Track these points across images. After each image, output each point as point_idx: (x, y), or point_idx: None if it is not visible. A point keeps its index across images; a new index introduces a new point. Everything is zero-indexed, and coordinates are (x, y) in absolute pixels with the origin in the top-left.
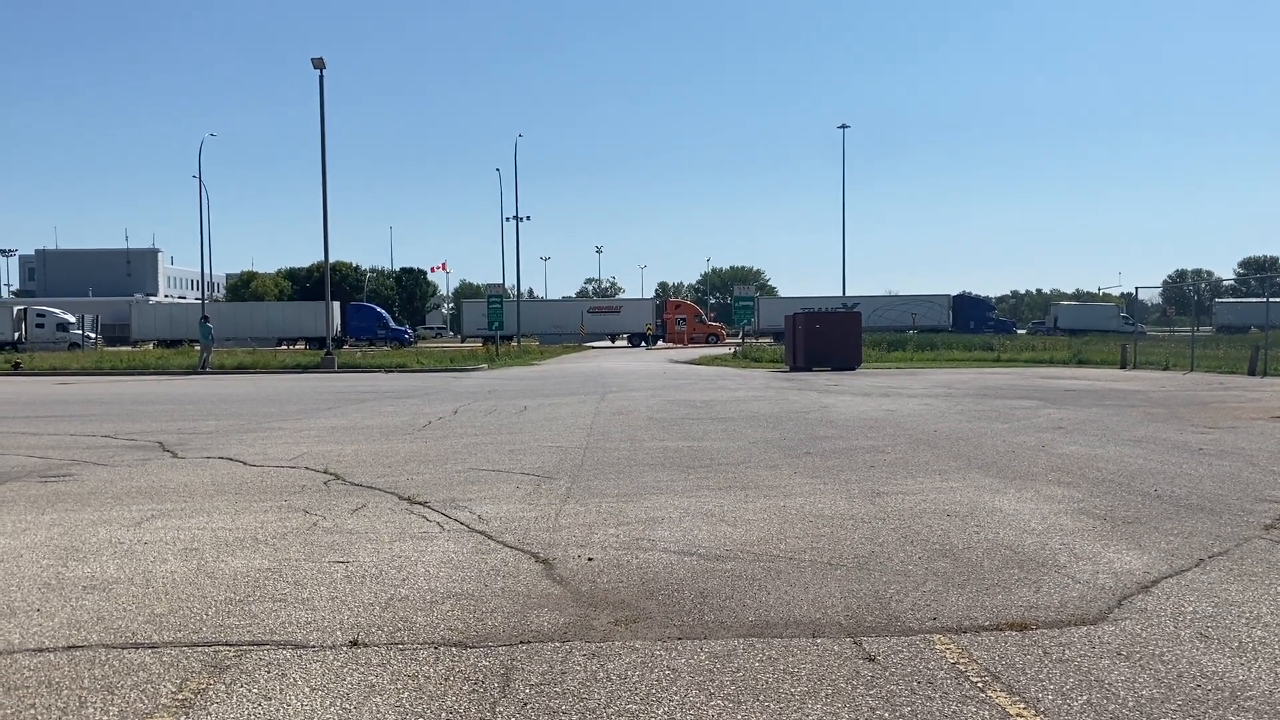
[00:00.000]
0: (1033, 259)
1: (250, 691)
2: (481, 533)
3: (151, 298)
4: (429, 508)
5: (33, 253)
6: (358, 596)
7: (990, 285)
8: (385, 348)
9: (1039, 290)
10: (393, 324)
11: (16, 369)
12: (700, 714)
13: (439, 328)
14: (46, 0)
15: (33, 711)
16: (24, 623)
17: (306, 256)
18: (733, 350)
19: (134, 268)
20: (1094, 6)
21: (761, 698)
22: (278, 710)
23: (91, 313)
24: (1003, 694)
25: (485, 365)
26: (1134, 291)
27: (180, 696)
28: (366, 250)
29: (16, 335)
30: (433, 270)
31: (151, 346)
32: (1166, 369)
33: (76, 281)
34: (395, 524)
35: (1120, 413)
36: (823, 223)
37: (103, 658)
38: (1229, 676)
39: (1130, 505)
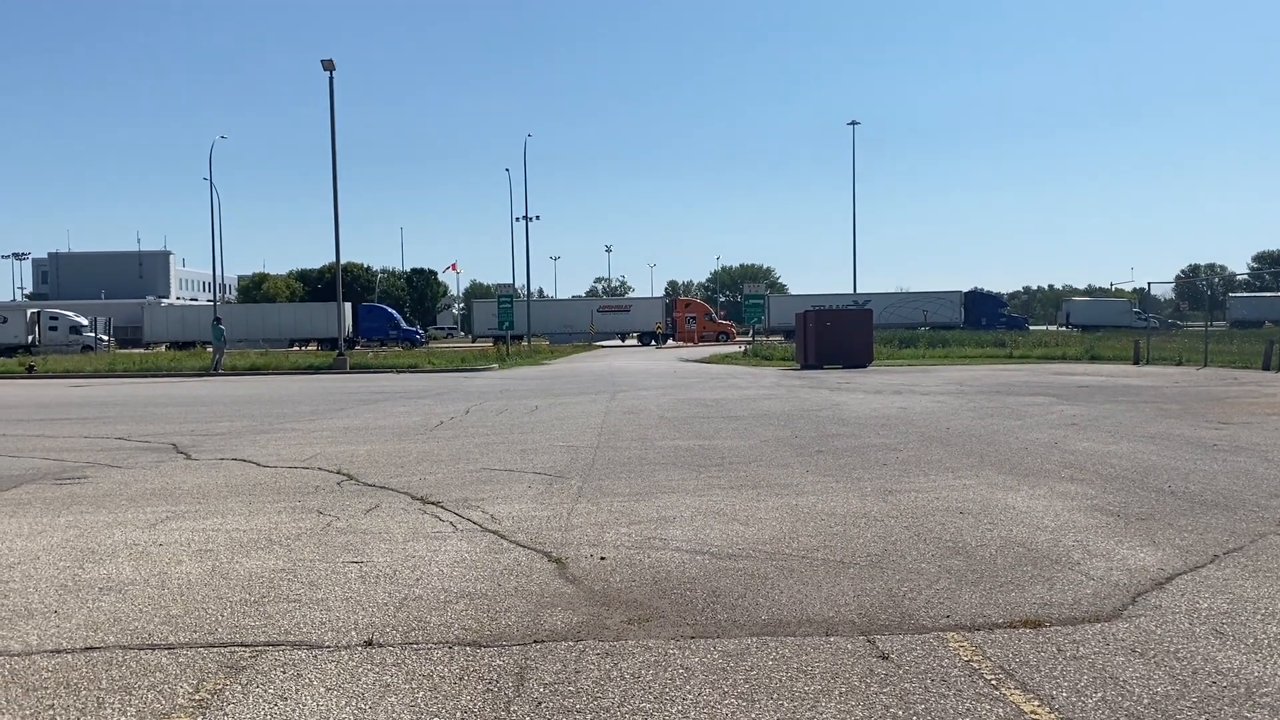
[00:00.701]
0: (1045, 255)
1: (266, 692)
2: (494, 532)
3: (164, 300)
4: (442, 508)
5: (45, 256)
6: (372, 597)
7: (1002, 281)
8: (397, 348)
9: (1051, 286)
10: (404, 324)
11: (30, 372)
12: (714, 712)
13: (450, 328)
14: (56, 5)
15: (51, 712)
16: (42, 624)
17: (318, 258)
18: (743, 348)
19: (146, 270)
20: (1107, 1)
21: (775, 696)
22: (293, 710)
23: (104, 315)
24: (1017, 691)
25: (496, 365)
26: (1147, 287)
27: (197, 697)
28: (377, 251)
29: (30, 338)
30: (444, 271)
31: (164, 348)
32: (1180, 364)
33: (89, 284)
34: (409, 524)
35: (1133, 409)
36: (833, 220)
37: (120, 659)
38: (1244, 673)
39: (1144, 502)
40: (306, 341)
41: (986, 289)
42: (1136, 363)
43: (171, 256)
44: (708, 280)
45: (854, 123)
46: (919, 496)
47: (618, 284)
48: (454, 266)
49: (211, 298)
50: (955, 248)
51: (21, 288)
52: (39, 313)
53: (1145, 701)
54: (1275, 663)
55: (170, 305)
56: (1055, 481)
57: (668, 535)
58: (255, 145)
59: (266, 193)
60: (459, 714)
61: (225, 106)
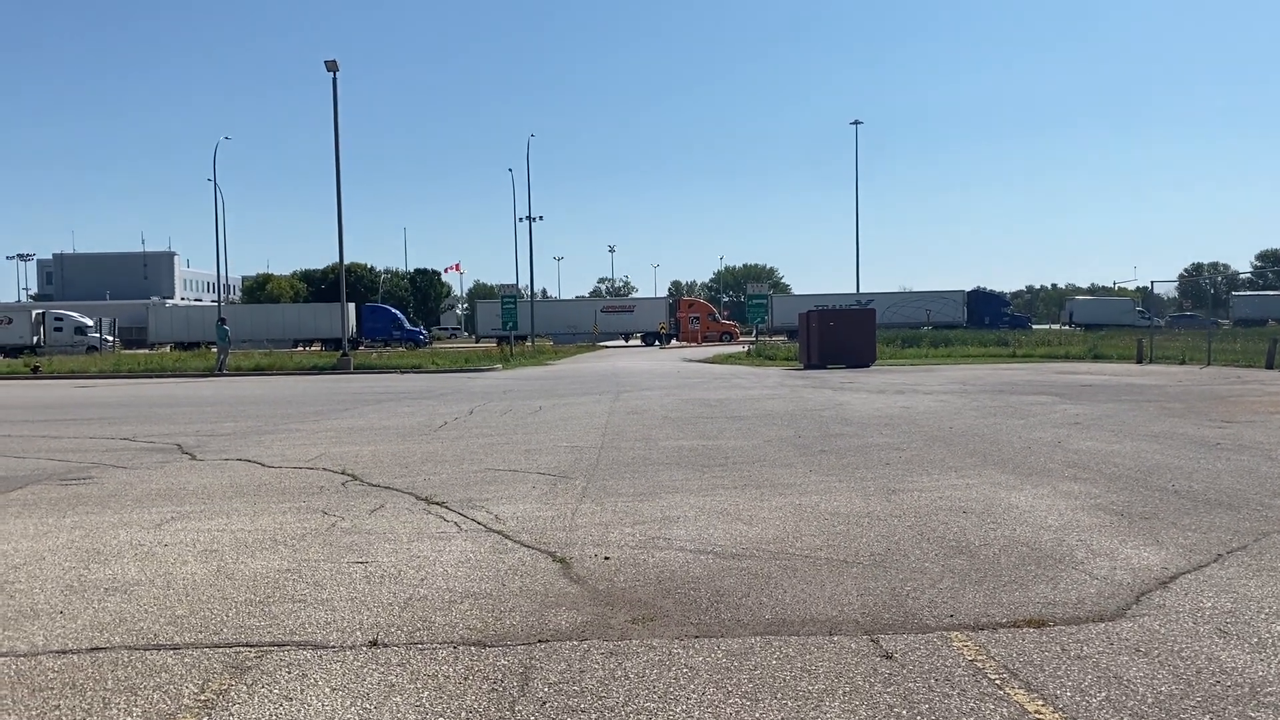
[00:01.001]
0: (1048, 254)
1: (271, 692)
2: (499, 532)
3: (168, 300)
4: (446, 508)
5: (50, 257)
6: (377, 597)
7: (1005, 281)
8: (400, 349)
9: (1054, 285)
10: (407, 325)
11: (35, 372)
12: (718, 712)
13: (453, 328)
14: (61, 7)
15: (57, 713)
16: (48, 625)
17: (321, 258)
18: (746, 348)
19: (150, 271)
20: (1110, 0)
21: (779, 695)
22: (299, 710)
23: (109, 316)
24: (1020, 691)
25: (500, 365)
26: (1150, 286)
27: (202, 697)
28: (381, 251)
29: (35, 339)
30: (447, 271)
31: (168, 349)
32: (1183, 363)
33: (94, 285)
34: (413, 524)
35: (1137, 407)
36: (836, 220)
37: (125, 659)
38: (1248, 672)
39: (1147, 501)
40: (310, 342)
41: (989, 288)
42: (1139, 362)
43: (176, 257)
44: (711, 280)
45: (857, 122)
46: (922, 496)
47: (621, 284)
48: (457, 267)
49: (216, 298)
50: (958, 247)
51: (26, 289)
52: (44, 314)
53: (1149, 701)
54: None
55: (175, 306)
56: (1059, 481)
57: (672, 535)
58: (259, 146)
59: (270, 194)
60: (464, 714)
61: (229, 107)
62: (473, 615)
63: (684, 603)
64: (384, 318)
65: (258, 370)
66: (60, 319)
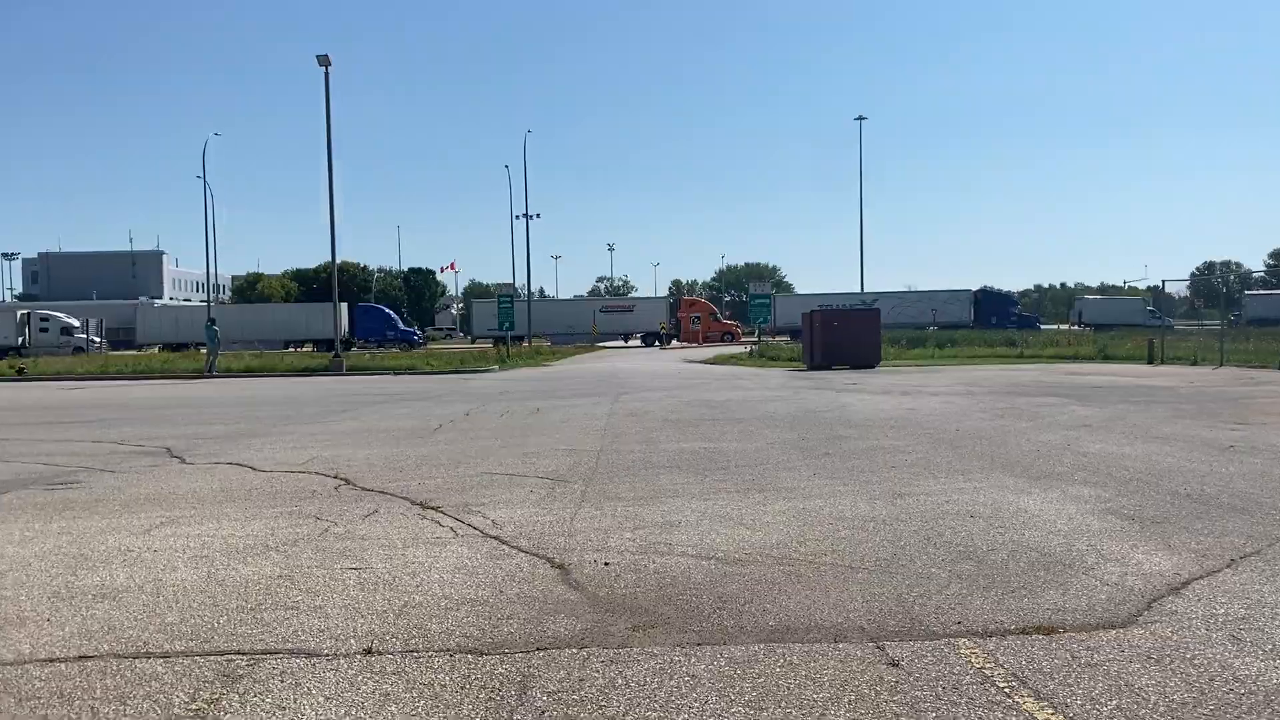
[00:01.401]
0: (1056, 253)
1: (264, 701)
2: (495, 538)
3: (156, 300)
4: (442, 513)
5: (36, 256)
6: (371, 604)
7: (1013, 280)
8: (394, 349)
9: (1063, 284)
10: (401, 325)
11: (21, 374)
12: None
13: (449, 328)
14: (49, 4)
15: None
16: (35, 632)
17: (313, 257)
18: (749, 349)
19: (138, 270)
20: (1118, 1)
21: (783, 704)
22: None
23: (96, 316)
24: (1030, 699)
25: (496, 366)
26: (1160, 285)
27: (193, 706)
28: (374, 250)
29: (20, 340)
30: (442, 270)
31: (157, 350)
32: (1195, 364)
33: (80, 285)
34: (408, 529)
35: (1147, 409)
36: (840, 218)
37: (114, 667)
38: (1262, 680)
39: (1159, 505)
40: (302, 343)
41: (997, 287)
42: (1150, 362)
43: (164, 256)
44: (712, 279)
45: (861, 118)
46: (928, 500)
47: (620, 283)
48: (452, 266)
49: (205, 298)
50: (965, 246)
51: (11, 288)
52: (29, 314)
53: (1161, 709)
54: None
55: (163, 306)
56: (1068, 484)
57: (673, 540)
58: (250, 143)
59: (261, 191)
60: None
61: (219, 103)
62: (469, 622)
63: (685, 609)
64: (377, 318)
65: (248, 372)
66: (46, 319)
